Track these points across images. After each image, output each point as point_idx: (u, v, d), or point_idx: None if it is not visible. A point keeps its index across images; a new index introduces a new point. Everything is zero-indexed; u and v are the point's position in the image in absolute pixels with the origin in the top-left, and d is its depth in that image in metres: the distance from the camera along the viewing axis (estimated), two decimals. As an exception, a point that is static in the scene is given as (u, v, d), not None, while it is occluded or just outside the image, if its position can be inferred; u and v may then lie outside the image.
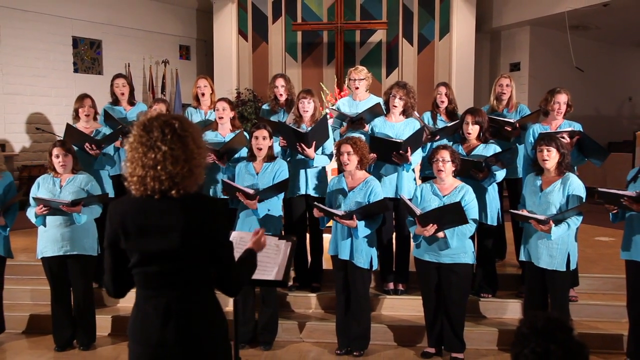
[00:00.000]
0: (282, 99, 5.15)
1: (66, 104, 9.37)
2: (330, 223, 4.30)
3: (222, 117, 4.80)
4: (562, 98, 4.51)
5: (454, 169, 4.03)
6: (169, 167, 1.97)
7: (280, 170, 4.36)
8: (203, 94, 5.31)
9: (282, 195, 4.47)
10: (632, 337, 3.98)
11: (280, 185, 4.26)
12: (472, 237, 4.09)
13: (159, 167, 1.97)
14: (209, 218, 2.04)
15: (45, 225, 4.24)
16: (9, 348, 4.47)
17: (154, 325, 2.01)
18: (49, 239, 4.24)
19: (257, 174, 4.36)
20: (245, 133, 4.79)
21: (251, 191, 4.14)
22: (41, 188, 4.27)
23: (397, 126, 4.67)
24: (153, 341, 2.01)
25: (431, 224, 3.87)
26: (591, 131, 4.85)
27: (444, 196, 4.02)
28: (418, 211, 3.93)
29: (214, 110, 4.94)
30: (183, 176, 2.00)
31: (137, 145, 2.00)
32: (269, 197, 4.28)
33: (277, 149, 4.81)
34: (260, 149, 4.34)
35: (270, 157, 4.39)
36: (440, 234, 3.91)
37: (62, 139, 4.61)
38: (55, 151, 4.26)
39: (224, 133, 4.82)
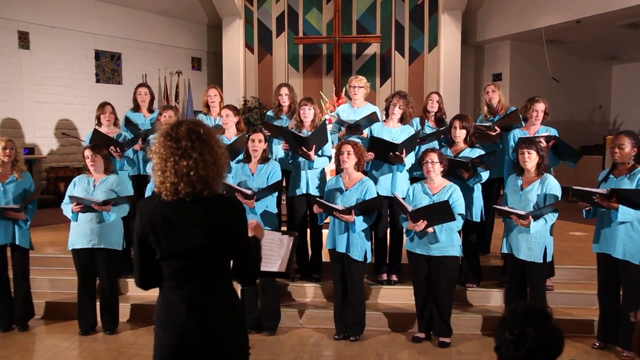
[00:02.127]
0: (286, 105, 5.15)
1: (89, 111, 9.37)
2: (328, 220, 4.30)
3: (226, 123, 4.81)
4: (540, 106, 4.53)
5: (442, 169, 4.03)
6: (201, 172, 1.95)
7: (273, 171, 4.35)
8: (213, 102, 5.32)
9: (276, 194, 4.45)
10: (602, 322, 4.02)
11: (275, 185, 4.26)
12: (458, 232, 4.08)
13: (192, 173, 1.94)
14: (233, 218, 2.04)
15: (77, 221, 4.26)
16: (38, 332, 4.47)
17: (179, 313, 1.98)
18: (80, 233, 4.26)
19: (252, 174, 4.34)
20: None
21: (249, 192, 4.14)
22: (77, 187, 4.31)
23: (393, 131, 4.66)
24: (178, 327, 1.98)
25: (421, 220, 3.87)
26: (565, 136, 4.85)
27: (433, 195, 4.02)
28: (410, 208, 3.93)
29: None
30: (213, 178, 1.99)
31: (169, 155, 1.95)
32: (265, 197, 4.27)
33: (280, 152, 4.81)
34: (256, 151, 4.33)
35: (264, 159, 4.38)
36: (430, 229, 3.91)
37: (89, 142, 4.62)
38: (86, 152, 4.32)
39: (230, 136, 4.81)
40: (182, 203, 1.98)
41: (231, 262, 2.13)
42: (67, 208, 4.28)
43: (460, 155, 4.45)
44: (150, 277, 2.07)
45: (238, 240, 2.05)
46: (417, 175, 4.66)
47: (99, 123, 5.20)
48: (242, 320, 2.14)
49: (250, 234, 2.19)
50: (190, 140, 1.95)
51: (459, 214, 3.94)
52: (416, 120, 5.17)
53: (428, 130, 5.03)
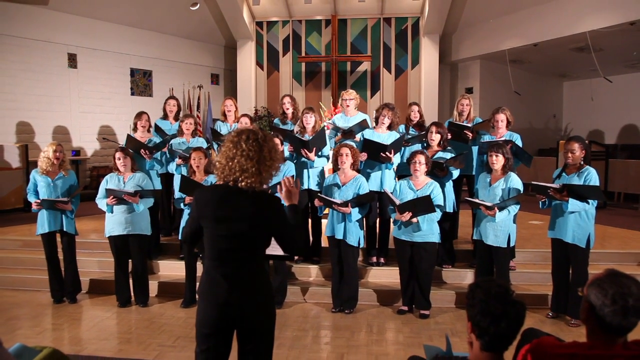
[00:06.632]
0: (289, 112, 5.13)
1: (125, 120, 9.36)
2: (326, 211, 4.28)
3: None
4: (499, 116, 4.56)
5: (426, 169, 4.02)
6: (242, 161, 1.99)
7: (288, 170, 4.34)
8: (229, 111, 5.31)
9: None
10: (555, 296, 4.04)
11: None
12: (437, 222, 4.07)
13: (235, 160, 2.00)
14: (271, 211, 2.04)
15: (112, 212, 4.25)
16: (84, 304, 4.47)
17: (222, 289, 2.00)
18: (115, 222, 4.26)
19: None
20: None
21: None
22: (109, 183, 4.31)
23: (382, 136, 4.64)
24: (221, 300, 2.00)
25: (407, 212, 3.86)
26: (525, 140, 4.84)
27: (417, 190, 4.00)
28: (397, 202, 3.91)
29: (237, 123, 4.94)
30: (251, 173, 2.00)
31: (229, 143, 2.05)
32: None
33: (286, 153, 4.79)
34: None
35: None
36: (414, 220, 3.90)
37: (122, 145, 4.60)
38: (117, 154, 4.31)
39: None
40: (227, 190, 2.01)
41: (265, 247, 2.11)
42: (101, 202, 4.27)
43: (435, 157, 4.43)
44: (196, 242, 2.15)
45: (278, 227, 2.05)
46: (405, 173, 4.65)
47: (135, 129, 5.18)
48: (272, 296, 2.15)
49: (286, 203, 2.19)
50: (247, 137, 2.02)
51: (437, 206, 3.93)
52: (402, 127, 5.16)
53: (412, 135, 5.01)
